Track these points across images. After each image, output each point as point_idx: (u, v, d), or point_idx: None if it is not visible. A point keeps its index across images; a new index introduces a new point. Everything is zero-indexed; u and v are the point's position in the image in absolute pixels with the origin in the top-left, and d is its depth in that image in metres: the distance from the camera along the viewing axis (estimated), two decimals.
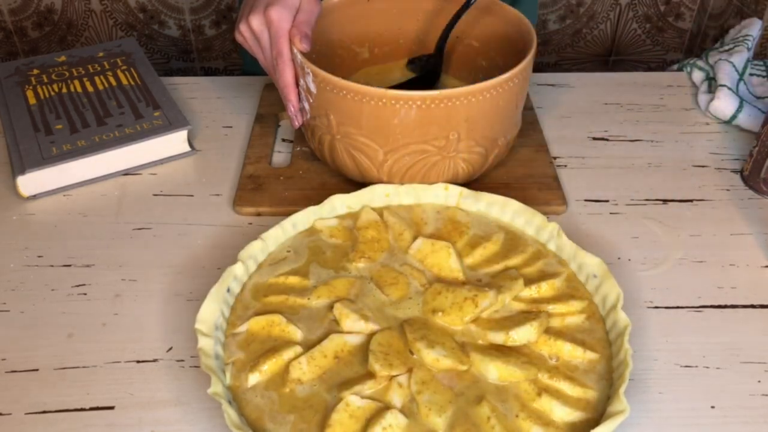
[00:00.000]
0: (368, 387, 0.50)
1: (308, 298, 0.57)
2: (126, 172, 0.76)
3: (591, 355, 0.53)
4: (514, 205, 0.64)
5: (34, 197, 0.72)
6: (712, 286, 0.64)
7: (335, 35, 0.78)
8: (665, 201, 0.73)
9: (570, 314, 0.56)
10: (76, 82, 0.83)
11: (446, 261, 0.60)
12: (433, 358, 0.52)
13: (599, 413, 0.49)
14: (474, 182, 0.71)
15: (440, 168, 0.67)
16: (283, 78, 0.68)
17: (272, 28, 0.66)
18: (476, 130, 0.65)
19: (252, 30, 0.68)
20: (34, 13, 1.55)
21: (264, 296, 0.57)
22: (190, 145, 0.79)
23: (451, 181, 0.67)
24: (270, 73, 0.71)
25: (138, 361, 0.57)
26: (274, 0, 0.67)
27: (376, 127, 0.64)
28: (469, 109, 0.63)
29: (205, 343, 0.52)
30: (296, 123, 0.71)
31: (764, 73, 0.91)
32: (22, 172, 0.70)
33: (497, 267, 0.60)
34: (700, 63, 0.92)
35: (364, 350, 0.53)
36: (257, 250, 0.60)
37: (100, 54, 0.88)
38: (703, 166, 0.78)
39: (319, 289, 0.58)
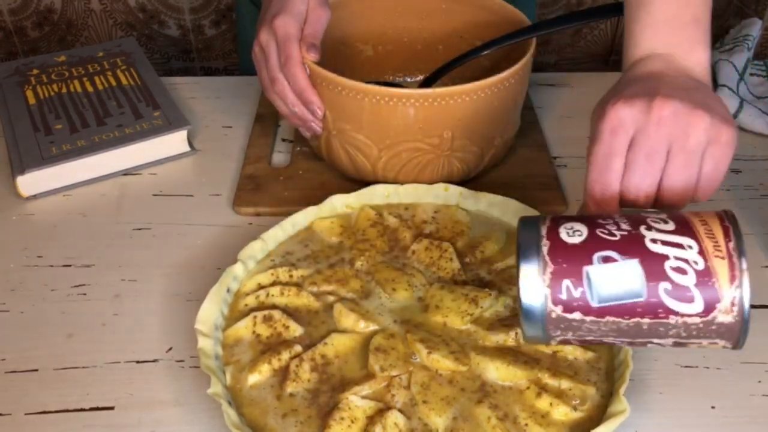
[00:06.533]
0: (368, 387, 0.50)
1: (301, 286, 0.58)
2: (126, 172, 0.76)
3: (591, 355, 0.53)
4: (514, 205, 0.64)
5: (34, 197, 0.72)
6: None
7: (339, 33, 0.78)
8: None
9: None
10: (76, 82, 0.83)
11: (446, 261, 0.60)
12: (434, 358, 0.52)
13: (599, 413, 0.49)
14: (474, 182, 0.71)
15: (435, 166, 0.67)
16: (297, 82, 0.64)
17: (279, 35, 0.64)
18: (471, 129, 0.65)
19: (260, 43, 0.66)
20: (33, 12, 1.54)
21: (259, 288, 0.58)
22: (190, 145, 0.79)
23: (446, 180, 0.67)
24: (267, 89, 0.67)
25: (138, 362, 0.57)
26: (280, 10, 0.64)
27: (370, 123, 0.64)
28: (463, 109, 0.63)
29: (204, 344, 0.52)
30: (318, 129, 0.68)
31: (764, 73, 0.91)
32: (22, 172, 0.70)
33: (497, 267, 0.60)
34: None
35: (364, 350, 0.53)
36: (257, 250, 0.60)
37: (100, 54, 0.88)
38: None
39: (312, 277, 0.58)
